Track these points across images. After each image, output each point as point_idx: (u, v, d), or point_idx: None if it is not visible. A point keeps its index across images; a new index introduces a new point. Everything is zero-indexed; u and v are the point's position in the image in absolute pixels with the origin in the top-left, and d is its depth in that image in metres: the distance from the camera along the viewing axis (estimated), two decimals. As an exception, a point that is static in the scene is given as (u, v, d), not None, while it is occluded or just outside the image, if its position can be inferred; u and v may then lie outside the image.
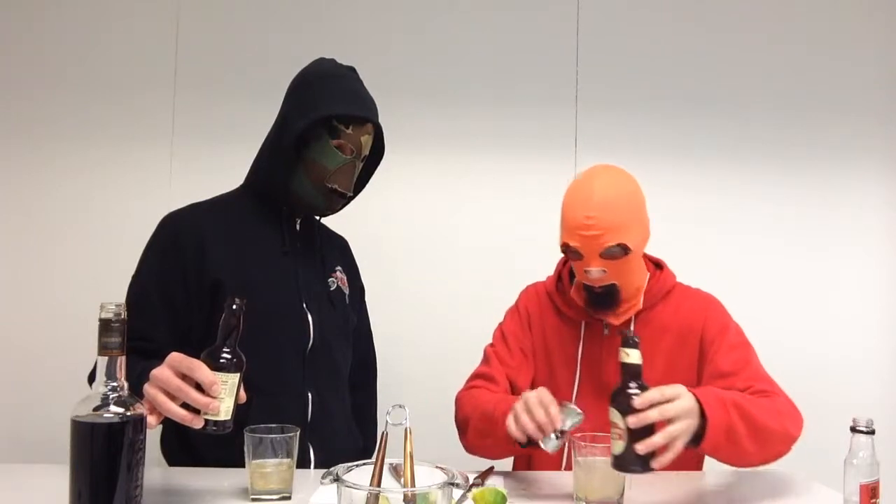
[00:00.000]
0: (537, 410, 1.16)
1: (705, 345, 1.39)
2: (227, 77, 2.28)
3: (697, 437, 1.12)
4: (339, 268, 1.54)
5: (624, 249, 1.33)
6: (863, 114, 2.41)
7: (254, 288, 1.22)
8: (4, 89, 2.24)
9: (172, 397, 1.02)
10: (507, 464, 1.49)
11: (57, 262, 2.21)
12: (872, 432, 1.04)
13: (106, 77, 2.26)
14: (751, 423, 1.16)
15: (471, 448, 1.38)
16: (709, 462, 1.45)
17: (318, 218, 1.51)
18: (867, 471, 1.02)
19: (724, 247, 2.36)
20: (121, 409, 0.91)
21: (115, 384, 0.92)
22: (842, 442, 1.09)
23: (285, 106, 1.42)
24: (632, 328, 1.42)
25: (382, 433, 0.98)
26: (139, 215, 1.45)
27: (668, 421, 1.06)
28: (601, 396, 1.22)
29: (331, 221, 1.59)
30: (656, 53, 2.38)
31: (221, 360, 1.04)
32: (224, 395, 1.03)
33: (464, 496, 1.07)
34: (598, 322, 1.44)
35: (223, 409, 1.03)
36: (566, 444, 1.33)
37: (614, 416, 1.07)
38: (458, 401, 1.45)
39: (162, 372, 1.03)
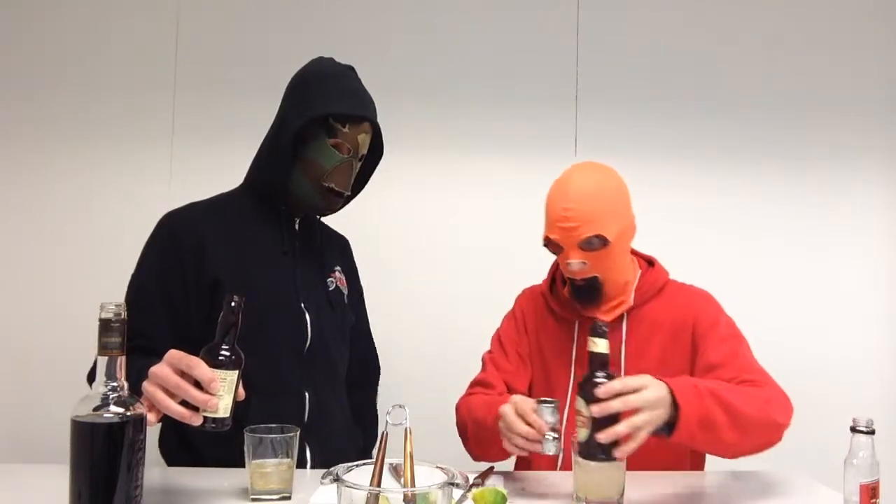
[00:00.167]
0: (518, 424, 1.18)
1: (697, 338, 1.39)
2: (227, 77, 2.28)
3: (672, 427, 1.12)
4: (338, 268, 1.54)
5: (602, 241, 1.34)
6: (863, 114, 2.41)
7: (252, 287, 1.22)
8: (4, 89, 2.24)
9: (171, 395, 1.02)
10: (507, 464, 1.49)
11: (57, 262, 2.21)
12: (872, 432, 1.04)
13: (106, 77, 2.26)
14: (730, 412, 1.15)
15: (476, 456, 1.40)
16: (710, 462, 1.46)
17: (318, 217, 1.51)
18: (867, 471, 1.02)
19: (724, 247, 2.36)
20: (121, 409, 0.91)
21: (115, 384, 0.92)
22: (842, 442, 1.09)
23: (284, 105, 1.42)
24: (624, 325, 1.43)
25: (382, 433, 0.98)
26: (139, 215, 1.45)
27: (633, 411, 1.07)
28: None
29: (331, 221, 1.59)
30: (656, 53, 2.38)
31: (220, 358, 1.04)
32: (223, 392, 1.03)
33: (464, 496, 1.07)
34: (591, 321, 1.44)
35: (222, 406, 1.03)
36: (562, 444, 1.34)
37: (580, 403, 1.09)
38: (456, 409, 1.46)
39: (161, 369, 1.03)
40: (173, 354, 1.04)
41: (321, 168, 1.38)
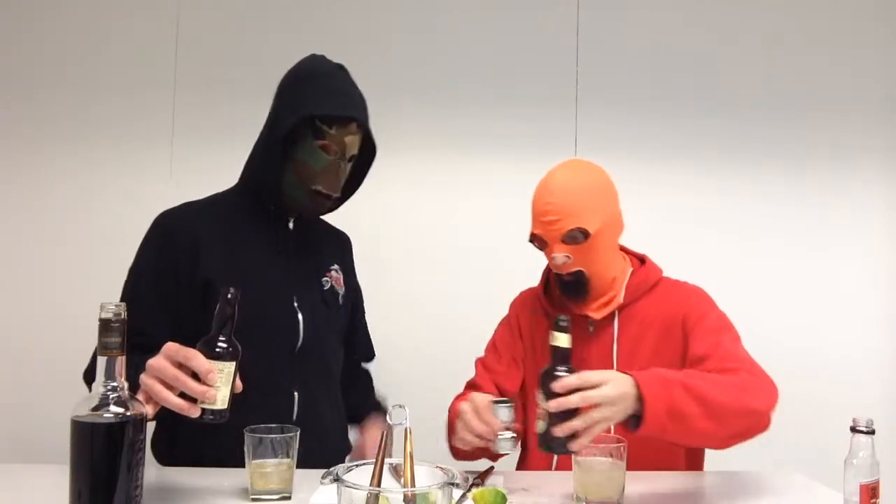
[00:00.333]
0: (473, 422, 1.20)
1: (687, 333, 1.39)
2: (227, 77, 2.28)
3: (639, 420, 1.12)
4: (335, 266, 1.52)
5: (584, 234, 1.35)
6: (863, 114, 2.41)
7: (244, 286, 1.22)
8: (4, 89, 2.24)
9: (169, 387, 1.02)
10: (507, 464, 1.49)
11: (57, 262, 2.21)
12: (872, 432, 1.03)
13: (106, 77, 2.26)
14: (702, 402, 1.14)
15: (454, 455, 1.41)
16: (709, 462, 1.46)
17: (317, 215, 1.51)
18: (867, 471, 1.02)
19: (724, 247, 2.36)
20: (121, 409, 0.91)
21: (114, 384, 0.92)
22: (842, 442, 1.08)
23: (274, 104, 1.42)
24: (615, 323, 1.44)
25: (382, 433, 0.98)
26: (139, 215, 1.45)
27: (592, 406, 1.07)
28: None
29: (331, 219, 1.59)
30: (656, 53, 2.38)
31: (217, 350, 1.04)
32: (220, 383, 1.03)
33: (464, 496, 1.07)
34: (583, 320, 1.45)
35: (220, 397, 1.03)
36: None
37: (539, 396, 1.10)
38: (448, 411, 1.48)
39: (158, 362, 1.03)
40: (170, 347, 1.04)
41: (309, 169, 1.37)
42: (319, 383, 1.43)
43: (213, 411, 1.03)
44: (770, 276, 2.37)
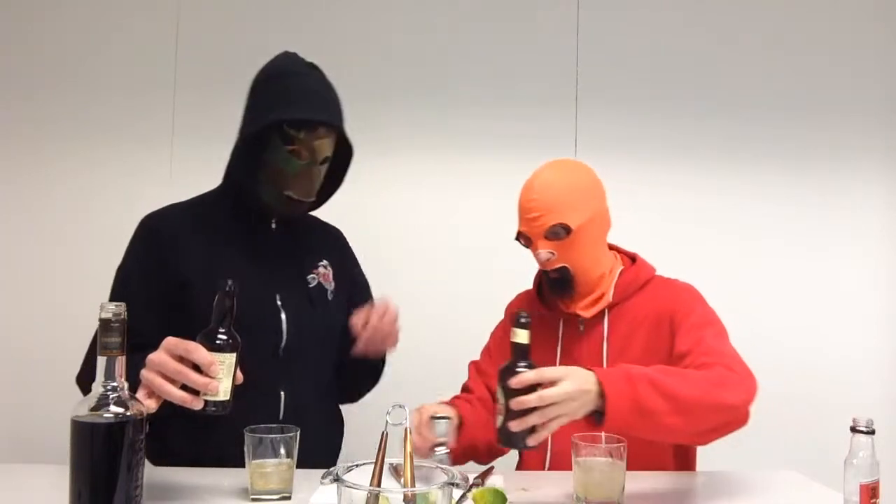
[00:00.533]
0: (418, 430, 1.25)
1: (674, 330, 1.38)
2: (227, 77, 2.27)
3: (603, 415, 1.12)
4: (323, 262, 1.50)
5: (565, 229, 1.37)
6: (863, 114, 2.42)
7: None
8: (4, 89, 2.24)
9: (171, 381, 1.03)
10: (507, 464, 1.49)
11: (57, 262, 2.21)
12: (872, 432, 1.03)
13: (106, 77, 2.26)
14: (669, 397, 1.13)
15: None
16: (708, 463, 1.46)
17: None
18: (867, 471, 1.02)
19: (724, 247, 2.36)
20: (120, 409, 0.91)
21: (114, 384, 0.92)
22: (842, 442, 1.09)
23: (246, 105, 1.40)
24: (605, 322, 1.44)
25: (382, 433, 0.98)
26: (139, 216, 1.45)
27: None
28: None
29: (331, 220, 1.59)
30: (656, 53, 2.38)
31: (218, 341, 1.05)
32: (222, 375, 1.04)
33: (464, 496, 1.07)
34: (574, 319, 1.45)
35: (222, 389, 1.04)
36: (549, 444, 1.40)
37: (498, 392, 1.10)
38: None
39: (159, 356, 1.04)
40: (170, 341, 1.05)
41: (281, 175, 1.35)
42: (307, 383, 1.42)
43: (215, 403, 1.04)
44: (770, 276, 2.37)
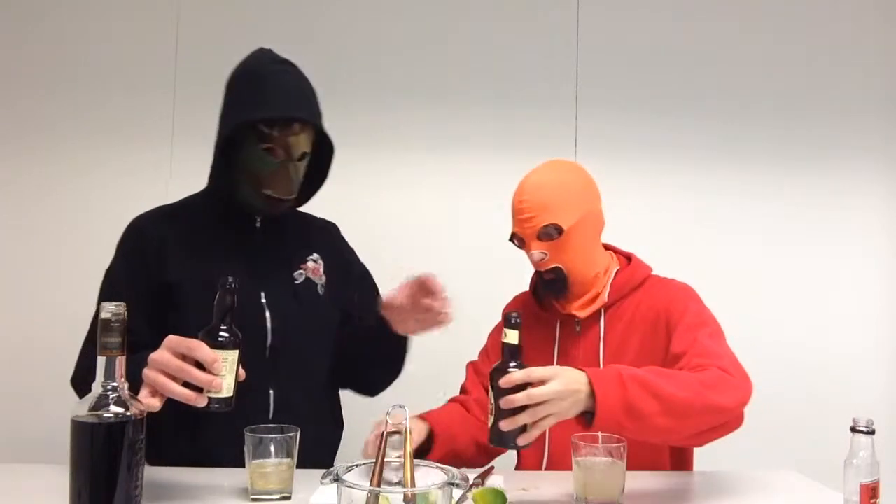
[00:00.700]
0: (368, 449, 1.27)
1: (669, 330, 1.38)
2: (227, 77, 2.28)
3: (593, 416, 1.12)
4: (313, 257, 1.49)
5: (558, 230, 1.37)
6: (863, 114, 2.42)
7: (210, 288, 1.20)
8: (5, 89, 2.24)
9: (173, 379, 1.03)
10: (507, 464, 1.49)
11: (57, 262, 2.21)
12: (872, 432, 1.03)
13: (106, 77, 2.26)
14: (660, 399, 1.13)
15: None
16: (708, 463, 1.46)
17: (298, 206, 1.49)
18: (867, 471, 1.02)
19: (724, 246, 2.36)
20: (121, 409, 0.91)
21: (114, 384, 0.92)
22: (842, 442, 1.09)
23: (222, 103, 1.39)
24: (601, 322, 1.44)
25: (382, 433, 0.98)
26: (139, 215, 1.46)
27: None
28: None
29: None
30: (656, 53, 2.38)
31: (220, 339, 1.06)
32: (225, 372, 1.04)
33: (464, 496, 1.07)
34: (571, 320, 1.45)
35: (225, 386, 1.05)
36: (546, 445, 1.41)
37: (490, 392, 1.11)
38: None
39: (161, 355, 1.04)
40: (172, 339, 1.05)
41: (259, 174, 1.35)
42: (297, 381, 1.40)
43: (219, 400, 1.05)
44: (770, 276, 2.37)
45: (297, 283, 1.45)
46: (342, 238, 1.62)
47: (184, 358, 1.04)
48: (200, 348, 1.04)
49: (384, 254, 2.22)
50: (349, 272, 1.57)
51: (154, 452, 1.32)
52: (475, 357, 1.59)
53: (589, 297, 1.45)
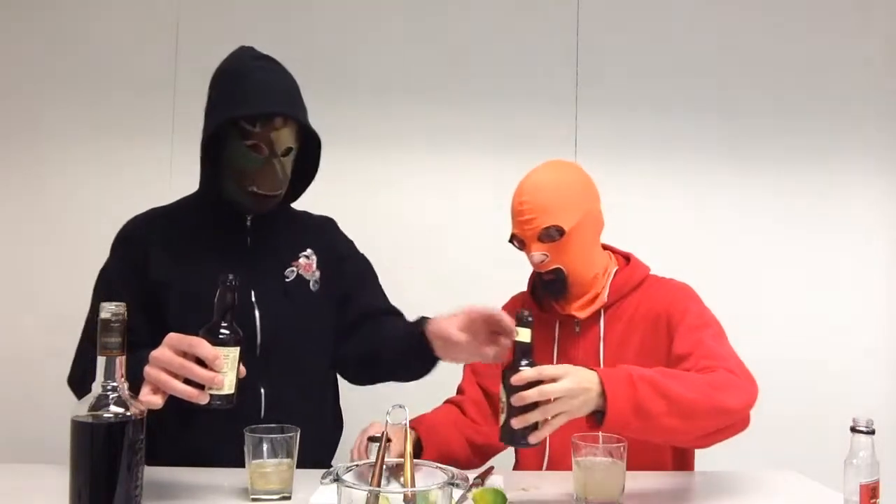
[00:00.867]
0: (353, 455, 1.32)
1: (670, 331, 1.38)
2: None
3: (603, 415, 1.12)
4: (306, 252, 1.48)
5: (559, 231, 1.38)
6: (862, 114, 2.41)
7: (198, 288, 1.20)
8: (4, 89, 2.24)
9: (175, 376, 1.03)
10: (507, 464, 1.49)
11: (56, 262, 2.21)
12: (872, 432, 1.03)
13: (106, 77, 2.26)
14: (669, 399, 1.13)
15: None
16: (707, 463, 1.46)
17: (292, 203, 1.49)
18: (867, 471, 1.02)
19: (723, 246, 2.36)
20: (120, 409, 0.91)
21: (114, 384, 0.92)
22: (842, 442, 1.09)
23: (206, 107, 1.40)
24: (601, 322, 1.44)
25: (383, 433, 0.98)
26: (139, 215, 1.46)
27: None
28: None
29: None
30: (656, 53, 2.38)
31: (221, 336, 1.06)
32: (226, 369, 1.05)
33: (464, 496, 1.07)
34: (570, 320, 1.46)
35: (226, 382, 1.05)
36: (547, 444, 1.41)
37: (502, 390, 1.11)
38: None
39: (162, 352, 1.04)
40: (173, 337, 1.05)
41: (244, 171, 1.35)
42: (289, 379, 1.39)
43: (220, 396, 1.05)
44: (770, 277, 2.37)
45: (287, 280, 1.44)
46: (339, 231, 1.60)
47: (185, 355, 1.04)
48: (201, 345, 1.04)
49: (382, 253, 2.23)
50: (344, 265, 1.54)
51: (156, 452, 1.33)
52: (474, 356, 1.58)
53: (588, 298, 1.45)
